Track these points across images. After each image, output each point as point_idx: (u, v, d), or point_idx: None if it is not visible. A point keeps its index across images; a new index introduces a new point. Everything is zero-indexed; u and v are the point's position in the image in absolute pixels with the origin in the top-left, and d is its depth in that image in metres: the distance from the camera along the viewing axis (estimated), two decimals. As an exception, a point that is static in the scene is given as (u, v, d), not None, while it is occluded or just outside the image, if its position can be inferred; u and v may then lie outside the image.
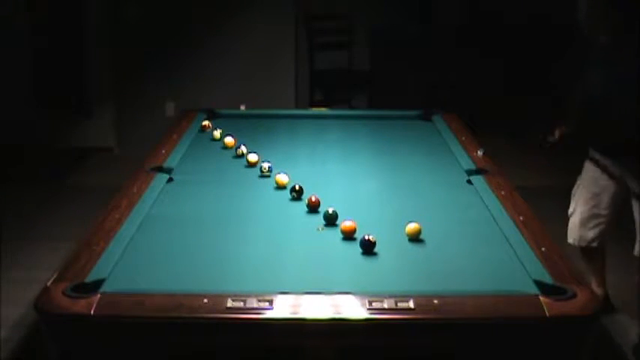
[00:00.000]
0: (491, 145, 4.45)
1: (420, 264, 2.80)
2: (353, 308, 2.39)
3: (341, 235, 2.97)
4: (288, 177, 3.58)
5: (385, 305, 2.38)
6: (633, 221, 3.99)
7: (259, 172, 3.76)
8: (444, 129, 4.58)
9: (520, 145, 5.48)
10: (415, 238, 2.96)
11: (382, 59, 7.66)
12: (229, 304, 2.37)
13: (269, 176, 3.70)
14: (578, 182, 4.14)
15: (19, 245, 4.96)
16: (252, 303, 2.38)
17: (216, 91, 6.98)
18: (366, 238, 2.84)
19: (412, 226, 2.97)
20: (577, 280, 2.58)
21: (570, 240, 4.16)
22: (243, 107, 5.16)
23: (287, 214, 3.29)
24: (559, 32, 7.33)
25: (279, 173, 3.61)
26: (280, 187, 3.55)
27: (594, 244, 4.11)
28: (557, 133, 4.01)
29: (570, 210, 4.17)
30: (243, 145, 4.07)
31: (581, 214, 4.10)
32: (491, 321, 2.39)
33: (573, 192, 4.17)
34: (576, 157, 4.16)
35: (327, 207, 3.15)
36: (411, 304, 2.38)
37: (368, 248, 2.83)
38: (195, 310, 2.37)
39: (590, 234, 4.10)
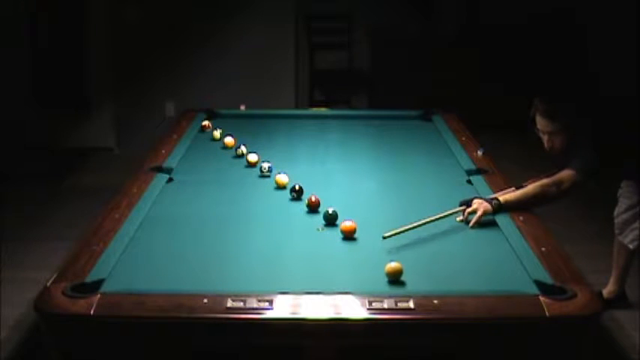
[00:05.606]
0: (492, 144, 4.45)
1: (420, 264, 2.79)
2: (353, 308, 2.39)
3: (341, 235, 2.98)
4: (288, 177, 3.58)
5: (385, 305, 2.38)
6: None
7: (259, 172, 3.76)
8: (444, 129, 4.58)
9: (520, 145, 5.48)
10: (395, 279, 2.60)
11: (382, 59, 7.66)
12: (229, 304, 2.38)
13: (269, 176, 3.70)
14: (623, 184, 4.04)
15: (19, 245, 4.95)
16: (252, 303, 2.38)
17: (216, 91, 6.97)
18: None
19: (393, 265, 2.62)
20: (577, 280, 2.58)
21: (617, 231, 4.09)
22: (243, 107, 5.16)
23: (287, 214, 3.29)
24: (559, 32, 7.35)
25: (279, 173, 3.61)
26: (280, 187, 3.55)
27: (631, 246, 4.05)
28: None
29: (617, 210, 4.09)
30: (243, 145, 4.07)
31: (626, 213, 4.03)
32: (491, 321, 2.39)
33: (619, 193, 4.07)
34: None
35: (327, 207, 3.15)
36: (411, 304, 2.38)
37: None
38: (195, 310, 2.37)
39: (631, 235, 4.04)
